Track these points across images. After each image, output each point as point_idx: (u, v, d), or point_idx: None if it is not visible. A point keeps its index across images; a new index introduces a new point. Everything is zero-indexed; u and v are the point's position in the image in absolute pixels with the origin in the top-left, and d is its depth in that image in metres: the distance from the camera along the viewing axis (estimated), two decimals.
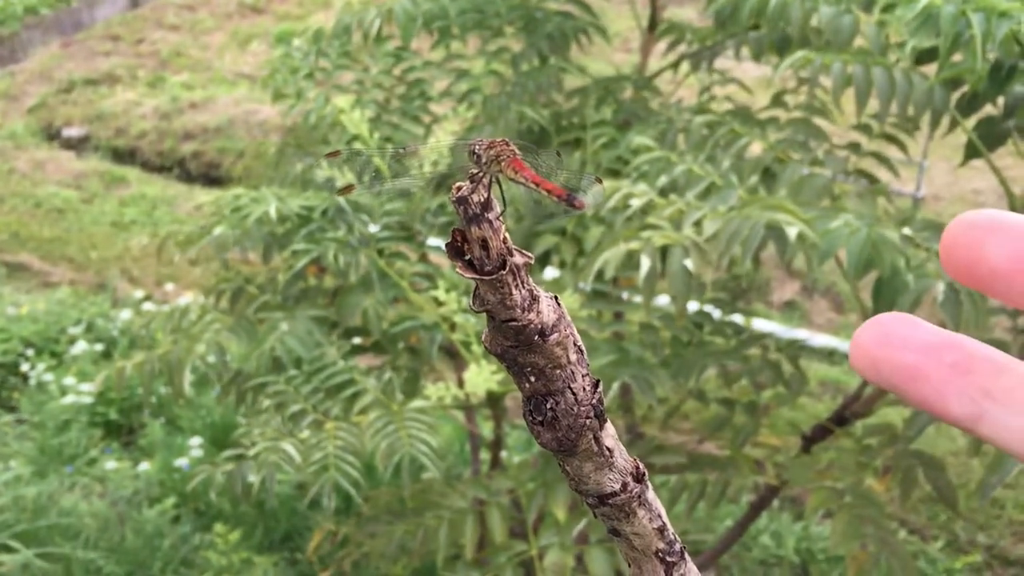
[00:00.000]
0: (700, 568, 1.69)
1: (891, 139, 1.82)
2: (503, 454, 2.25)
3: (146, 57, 7.56)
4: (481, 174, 0.29)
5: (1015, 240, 0.25)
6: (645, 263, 1.39)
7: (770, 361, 1.90)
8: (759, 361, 1.88)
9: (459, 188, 0.27)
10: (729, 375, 1.92)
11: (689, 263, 1.39)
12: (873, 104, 1.58)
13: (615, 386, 1.59)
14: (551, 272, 2.40)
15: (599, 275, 1.47)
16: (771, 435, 2.18)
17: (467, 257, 0.28)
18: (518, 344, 0.29)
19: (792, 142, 1.77)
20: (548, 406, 0.31)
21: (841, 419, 1.90)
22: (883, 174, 1.92)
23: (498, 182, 0.33)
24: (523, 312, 0.28)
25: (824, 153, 1.79)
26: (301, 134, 2.28)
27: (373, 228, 1.89)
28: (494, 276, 0.27)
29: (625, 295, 1.97)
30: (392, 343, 1.90)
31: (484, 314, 0.28)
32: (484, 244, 0.27)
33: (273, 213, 1.73)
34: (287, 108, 2.21)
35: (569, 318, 0.30)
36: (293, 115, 2.21)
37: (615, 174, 1.96)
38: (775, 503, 3.12)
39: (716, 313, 1.97)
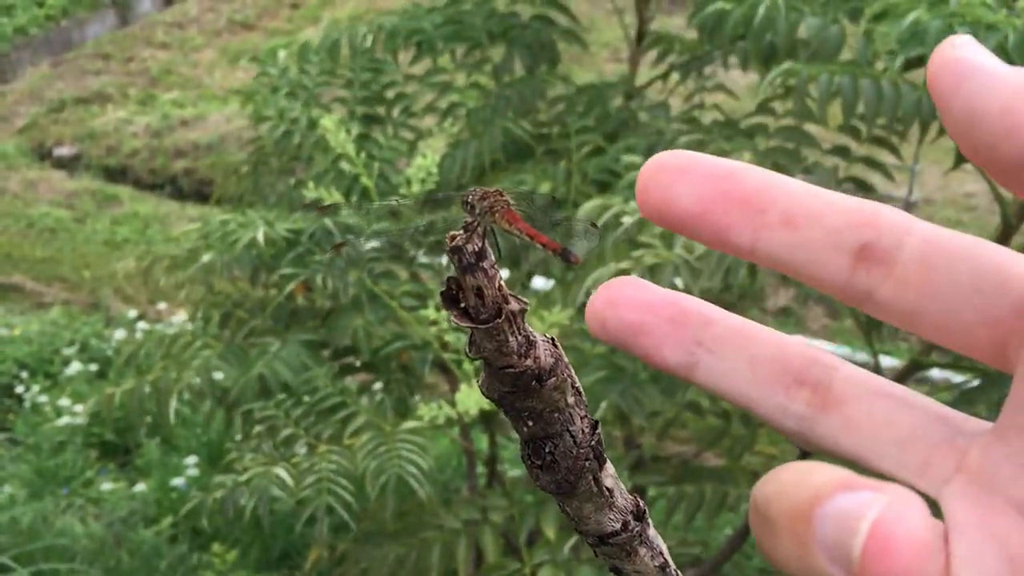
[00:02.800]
0: None
1: (881, 142, 1.82)
2: (500, 466, 2.25)
3: (136, 75, 7.56)
4: (475, 223, 0.29)
5: (702, 181, 0.26)
6: None
7: None
8: None
9: (453, 238, 0.27)
10: None
11: (679, 281, 1.40)
12: (861, 107, 1.58)
13: (603, 405, 1.59)
14: (539, 282, 2.39)
15: (590, 290, 1.48)
16: (769, 444, 2.18)
17: (462, 305, 0.27)
18: (515, 390, 0.29)
19: (782, 150, 1.77)
20: (547, 449, 0.30)
21: None
22: (875, 179, 1.92)
23: (492, 232, 0.33)
24: (520, 358, 0.28)
25: (814, 163, 1.79)
26: (274, 150, 2.24)
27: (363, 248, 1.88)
28: (490, 324, 0.27)
29: None
30: (383, 363, 1.89)
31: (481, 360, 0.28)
32: (479, 293, 0.27)
33: (261, 238, 1.73)
34: (271, 127, 2.17)
35: (567, 360, 0.30)
36: (279, 134, 2.18)
37: (603, 186, 1.95)
38: None
39: None
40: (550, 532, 1.65)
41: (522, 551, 1.71)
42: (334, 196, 1.76)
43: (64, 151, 6.69)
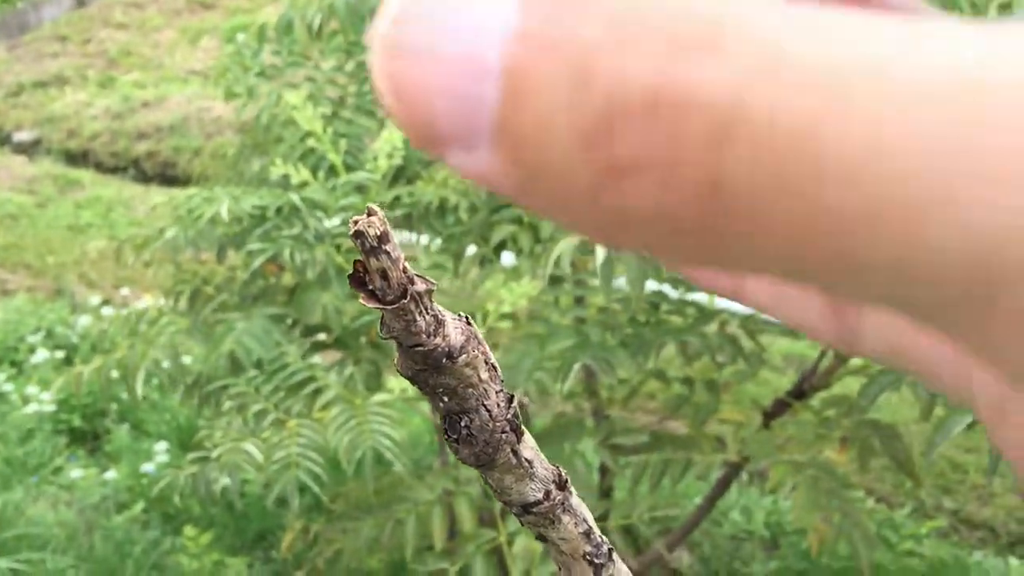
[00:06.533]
0: (672, 546, 1.70)
1: None
2: None
3: (95, 57, 7.45)
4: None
5: None
6: (600, 252, 1.41)
7: (728, 336, 1.92)
8: (717, 337, 1.89)
9: (356, 222, 0.28)
10: (689, 353, 1.94)
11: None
12: None
13: (576, 368, 1.61)
14: (508, 258, 2.40)
15: (557, 262, 1.49)
16: (734, 411, 2.21)
17: (370, 288, 0.28)
18: (427, 367, 0.30)
19: None
20: (463, 424, 0.31)
21: (800, 393, 1.93)
22: None
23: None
24: (428, 337, 0.29)
25: None
26: (258, 133, 2.25)
27: (330, 223, 1.88)
28: (396, 305, 0.28)
29: (589, 267, 1.98)
30: (353, 338, 1.90)
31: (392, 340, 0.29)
32: (384, 275, 0.28)
33: (225, 213, 1.72)
34: (240, 106, 2.19)
35: (481, 337, 0.31)
36: (247, 113, 2.19)
37: None
38: (744, 477, 3.16)
39: (674, 293, 1.98)
40: None
41: (497, 521, 1.73)
42: (302, 173, 1.76)
43: (23, 136, 6.60)
